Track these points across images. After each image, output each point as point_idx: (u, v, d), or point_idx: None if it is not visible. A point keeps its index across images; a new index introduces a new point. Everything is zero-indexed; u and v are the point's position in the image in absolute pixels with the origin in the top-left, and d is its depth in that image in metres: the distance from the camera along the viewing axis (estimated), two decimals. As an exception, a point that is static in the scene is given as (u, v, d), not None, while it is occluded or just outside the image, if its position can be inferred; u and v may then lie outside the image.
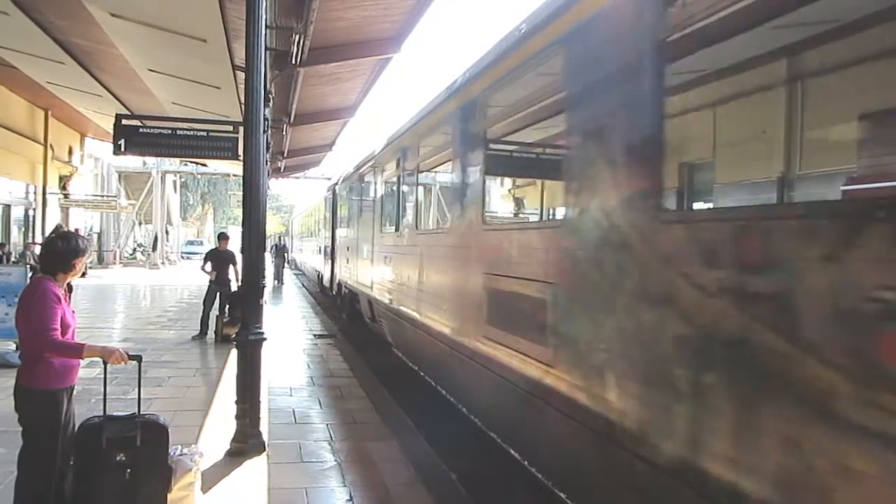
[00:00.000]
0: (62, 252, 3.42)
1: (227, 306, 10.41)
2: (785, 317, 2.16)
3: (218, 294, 10.69)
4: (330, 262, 15.79)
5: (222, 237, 11.30)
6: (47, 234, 17.26)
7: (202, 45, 9.26)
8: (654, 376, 2.80)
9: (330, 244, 15.93)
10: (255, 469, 4.72)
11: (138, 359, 3.53)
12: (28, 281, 7.54)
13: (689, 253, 2.62)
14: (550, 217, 7.54)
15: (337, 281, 14.60)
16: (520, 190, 9.96)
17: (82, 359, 3.35)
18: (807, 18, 3.53)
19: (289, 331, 12.04)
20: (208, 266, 10.86)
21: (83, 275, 17.04)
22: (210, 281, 10.80)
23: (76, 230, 18.45)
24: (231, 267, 10.73)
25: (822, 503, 2.01)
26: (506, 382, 4.40)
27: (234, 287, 10.48)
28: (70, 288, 4.33)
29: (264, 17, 5.16)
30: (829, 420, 1.98)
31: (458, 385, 5.99)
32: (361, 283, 10.76)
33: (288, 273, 25.87)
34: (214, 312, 10.58)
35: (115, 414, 3.49)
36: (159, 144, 7.69)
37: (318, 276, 19.97)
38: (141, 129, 7.81)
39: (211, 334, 10.40)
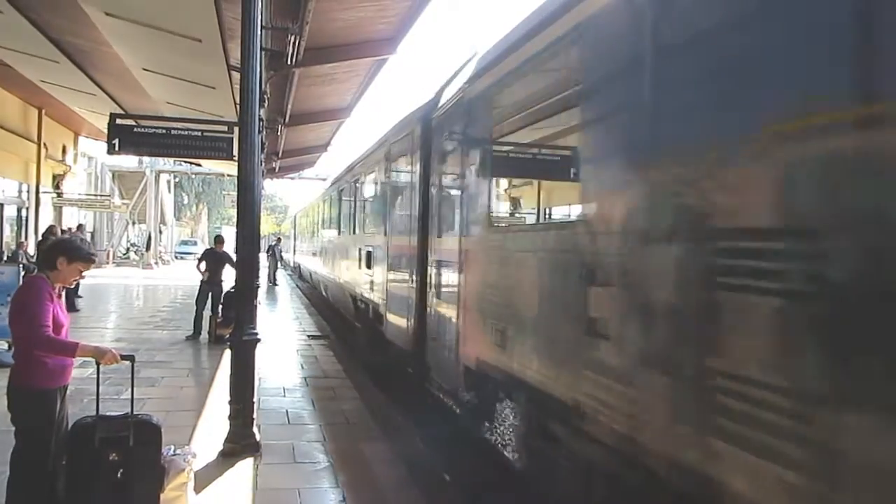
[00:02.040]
0: (45, 250, 3.46)
1: (221, 307, 10.44)
2: None
3: (210, 294, 10.70)
4: (413, 293, 6.82)
5: (218, 240, 11.44)
6: (40, 233, 17.17)
7: (197, 45, 9.24)
8: None
9: (416, 252, 6.82)
10: (248, 469, 4.71)
11: (131, 359, 3.54)
12: (21, 280, 7.56)
13: None
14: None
15: (474, 359, 5.04)
16: None
17: (75, 357, 3.36)
18: None
19: (283, 331, 12.02)
20: (202, 266, 10.93)
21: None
22: (202, 281, 10.84)
23: (69, 229, 18.29)
24: (227, 267, 10.75)
25: None
26: None
27: (226, 287, 10.52)
28: (76, 288, 4.32)
29: (260, 17, 5.17)
30: None
31: None
32: None
33: (282, 274, 25.79)
34: (208, 313, 10.57)
35: (108, 414, 3.49)
36: (154, 144, 7.64)
37: (371, 311, 9.31)
38: (135, 129, 7.77)
39: (204, 335, 10.39)
